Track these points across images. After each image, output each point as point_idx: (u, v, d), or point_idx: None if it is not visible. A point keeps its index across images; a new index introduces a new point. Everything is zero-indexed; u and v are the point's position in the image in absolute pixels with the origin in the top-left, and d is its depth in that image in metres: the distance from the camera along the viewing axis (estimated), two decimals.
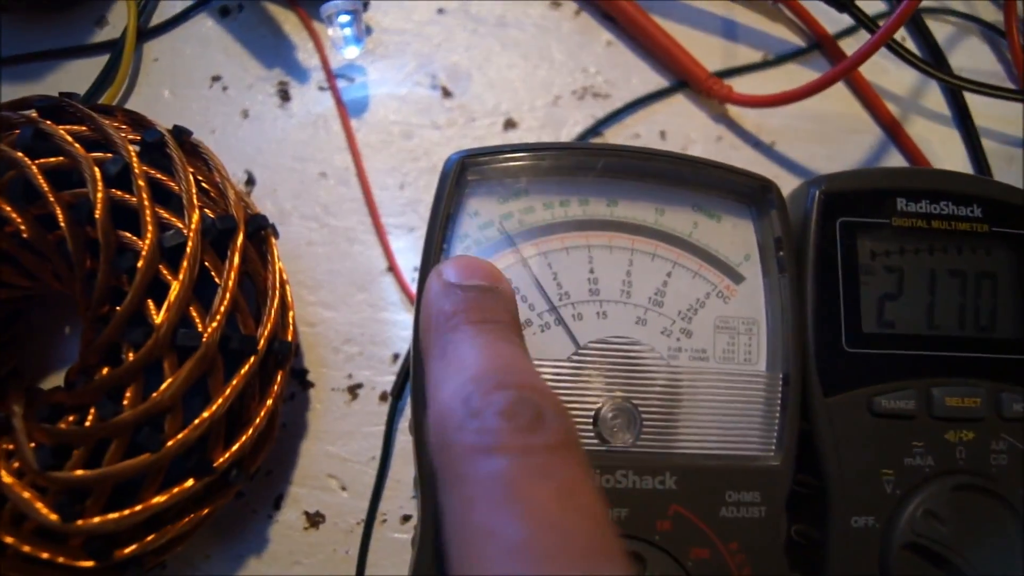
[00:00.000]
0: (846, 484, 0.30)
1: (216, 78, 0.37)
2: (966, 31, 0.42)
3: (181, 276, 0.28)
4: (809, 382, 0.31)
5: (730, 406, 0.30)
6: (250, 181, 0.36)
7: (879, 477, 0.31)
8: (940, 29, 0.41)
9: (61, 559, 0.27)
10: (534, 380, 0.22)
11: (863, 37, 0.39)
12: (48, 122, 0.30)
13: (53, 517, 0.26)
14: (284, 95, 0.37)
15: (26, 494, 0.27)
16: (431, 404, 0.22)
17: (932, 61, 0.40)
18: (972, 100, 0.40)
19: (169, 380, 0.27)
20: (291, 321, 0.32)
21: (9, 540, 0.26)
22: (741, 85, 0.39)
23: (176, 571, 0.33)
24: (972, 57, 0.41)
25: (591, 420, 0.29)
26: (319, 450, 0.34)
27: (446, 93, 0.38)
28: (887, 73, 0.40)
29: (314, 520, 0.33)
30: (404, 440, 0.34)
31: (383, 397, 0.34)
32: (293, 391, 0.34)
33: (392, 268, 0.35)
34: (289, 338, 0.32)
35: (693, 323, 0.31)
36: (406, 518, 0.33)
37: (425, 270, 0.29)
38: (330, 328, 0.35)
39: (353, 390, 0.34)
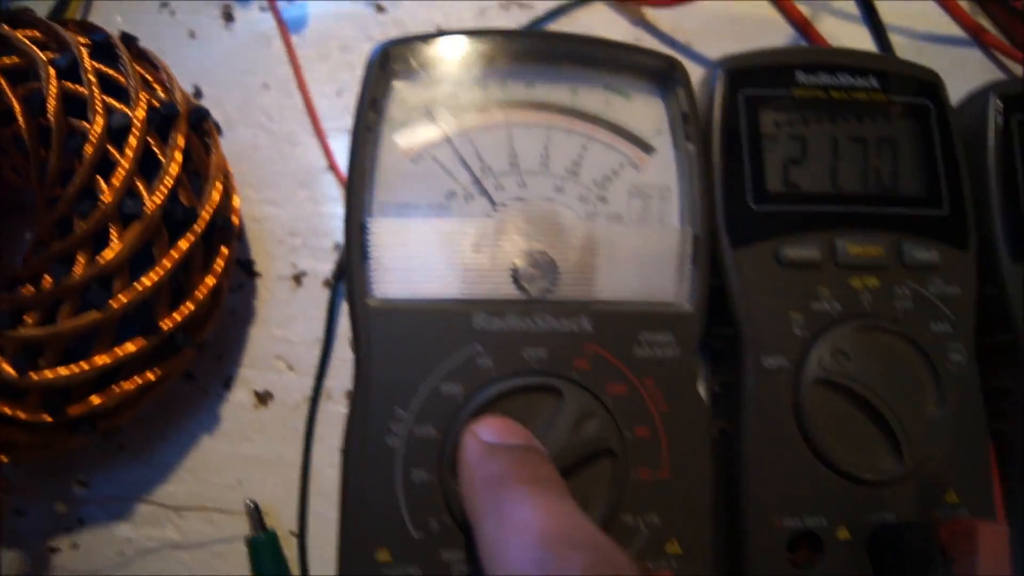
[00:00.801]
0: (757, 328, 0.32)
1: (164, 3, 0.39)
2: None
3: (127, 152, 0.29)
4: (718, 238, 0.32)
5: (645, 260, 0.31)
6: (197, 95, 0.38)
7: (788, 320, 0.32)
8: None
9: (19, 413, 0.28)
10: (604, 539, 0.21)
11: None
12: (4, 26, 0.31)
13: (10, 371, 0.28)
14: (228, 16, 0.39)
15: None
16: (495, 567, 0.21)
17: None
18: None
19: (116, 244, 0.29)
20: (234, 205, 0.34)
21: None
22: None
23: (133, 454, 0.34)
24: None
25: (511, 272, 0.30)
26: (266, 334, 0.35)
27: (380, 8, 0.39)
28: None
29: (263, 399, 0.35)
30: (346, 322, 0.35)
31: (325, 283, 0.36)
32: (241, 281, 0.36)
33: (332, 166, 0.37)
34: (234, 221, 0.33)
35: (608, 190, 0.32)
36: (350, 394, 0.35)
37: (355, 153, 0.31)
38: (275, 223, 0.36)
39: (297, 278, 0.36)
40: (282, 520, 0.34)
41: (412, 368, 0.29)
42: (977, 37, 0.42)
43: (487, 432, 0.25)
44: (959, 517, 0.31)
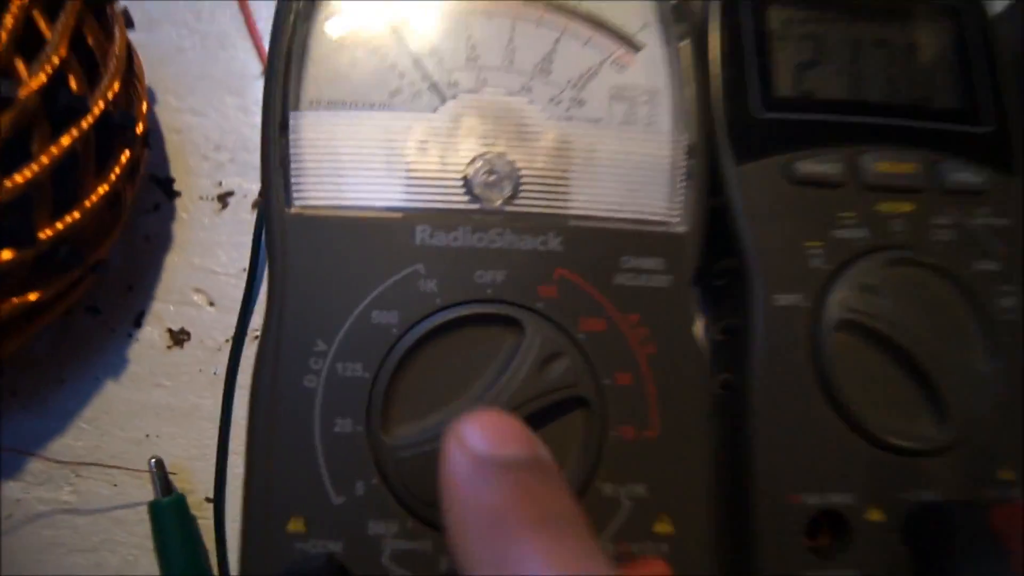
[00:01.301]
0: (767, 259, 0.25)
1: None
2: None
3: (4, 22, 0.23)
4: (719, 151, 0.26)
5: (629, 172, 0.25)
6: None
7: (804, 251, 0.25)
8: None
9: None
10: None
11: None
12: None
13: None
14: None
15: None
16: None
17: None
18: None
19: None
20: (143, 110, 0.27)
21: None
22: None
23: (24, 400, 0.27)
24: None
25: (463, 178, 0.23)
26: (185, 263, 0.29)
27: None
28: None
29: (178, 338, 0.28)
30: None
31: (255, 205, 0.29)
32: (158, 201, 0.29)
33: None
34: (141, 125, 0.26)
35: (586, 92, 0.26)
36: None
37: (277, 35, 0.24)
38: (199, 134, 0.30)
39: (223, 198, 0.29)
40: (197, 483, 0.27)
41: (338, 292, 0.22)
42: None
43: (477, 437, 0.17)
44: (1015, 498, 0.25)
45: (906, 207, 0.26)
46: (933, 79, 0.28)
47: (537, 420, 0.22)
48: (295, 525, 0.21)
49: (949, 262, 0.26)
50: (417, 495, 0.21)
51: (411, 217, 0.23)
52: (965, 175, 0.26)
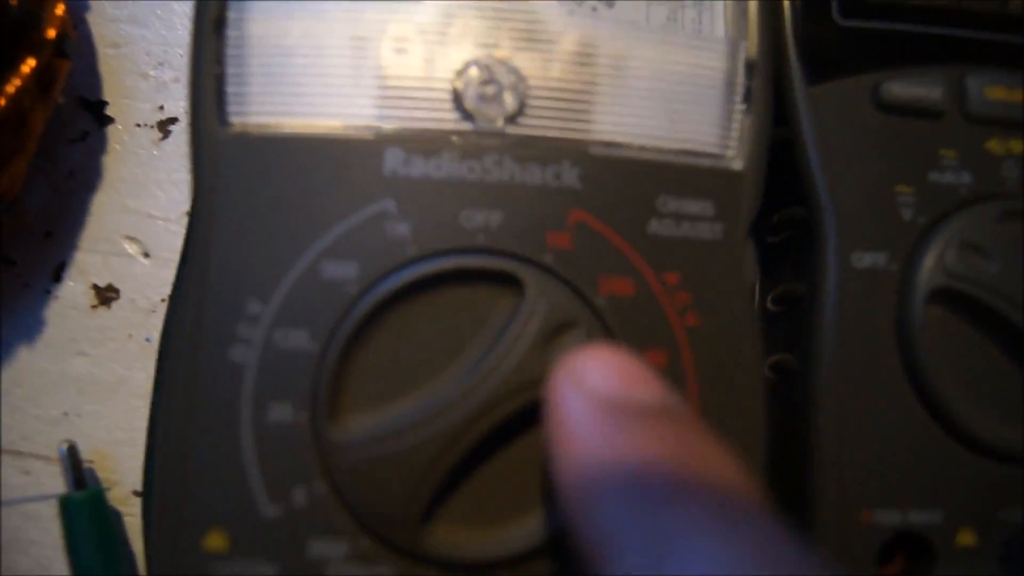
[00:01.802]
0: (843, 207, 0.19)
1: None
2: None
3: None
4: (786, 67, 0.19)
5: (670, 88, 0.18)
6: None
7: (892, 197, 0.19)
8: None
9: None
10: None
11: None
12: None
13: None
14: None
15: None
16: None
17: None
18: None
19: None
20: (58, 12, 0.21)
21: None
22: None
23: None
24: None
25: (451, 90, 0.17)
26: (116, 204, 0.23)
27: None
28: None
29: (105, 296, 0.22)
30: None
31: None
32: (85, 129, 0.23)
33: None
34: (52, 28, 0.20)
35: None
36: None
37: None
38: (140, 48, 0.23)
39: (164, 126, 0.23)
40: (123, 472, 0.22)
41: (280, 235, 0.16)
42: None
43: (597, 375, 0.13)
44: None
45: (1020, 146, 0.19)
46: None
47: (535, 414, 0.15)
48: (214, 541, 0.15)
49: None
50: (377, 507, 0.15)
51: (380, 138, 0.16)
52: None
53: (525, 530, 0.16)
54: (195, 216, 0.17)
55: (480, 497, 0.16)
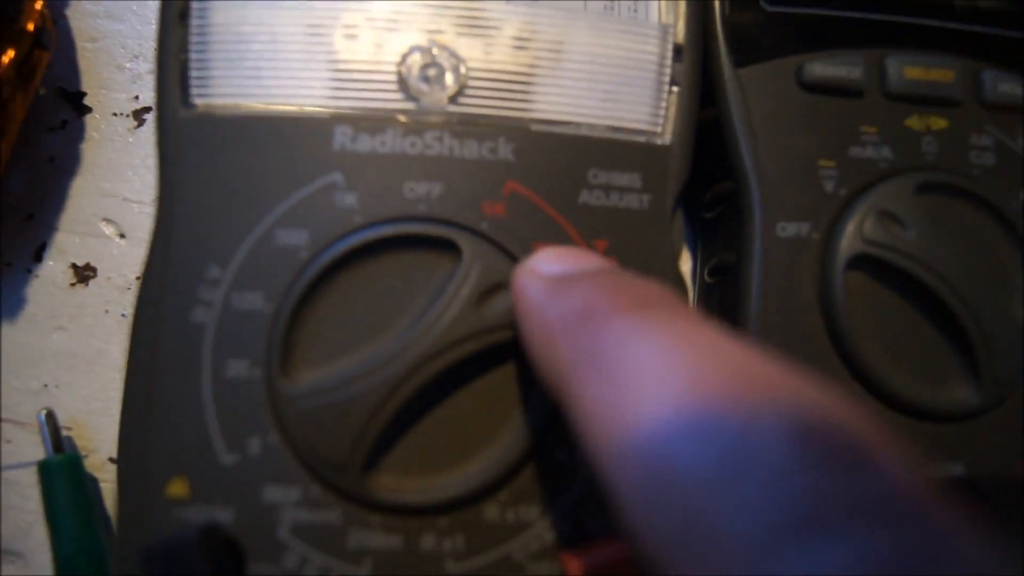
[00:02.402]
0: (769, 180, 0.20)
1: None
2: None
3: None
4: (714, 51, 0.21)
5: (604, 70, 0.20)
6: None
7: (815, 171, 0.20)
8: None
9: None
10: (801, 382, 0.11)
11: None
12: None
13: None
14: None
15: None
16: (621, 453, 0.12)
17: None
18: None
19: None
20: (38, 6, 0.22)
21: None
22: None
23: None
24: None
25: (397, 71, 0.19)
26: (94, 188, 0.24)
27: None
28: None
29: (83, 275, 0.24)
30: None
31: None
32: (64, 118, 0.24)
33: None
34: (31, 21, 0.22)
35: None
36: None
37: None
38: (116, 42, 0.25)
39: (139, 115, 0.25)
40: (100, 440, 0.23)
41: (238, 206, 0.18)
42: None
43: (548, 263, 0.16)
44: None
45: (940, 122, 0.21)
46: None
47: (472, 366, 0.17)
48: (176, 488, 0.17)
49: (989, 189, 0.21)
50: (324, 455, 0.16)
51: (331, 117, 0.18)
52: (1012, 87, 0.21)
53: (462, 477, 0.17)
54: (161, 190, 0.18)
55: (421, 447, 0.17)
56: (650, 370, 0.12)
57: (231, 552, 0.16)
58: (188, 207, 0.18)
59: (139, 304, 0.18)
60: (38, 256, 0.24)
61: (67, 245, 0.24)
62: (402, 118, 0.18)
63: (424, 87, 0.18)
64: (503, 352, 0.17)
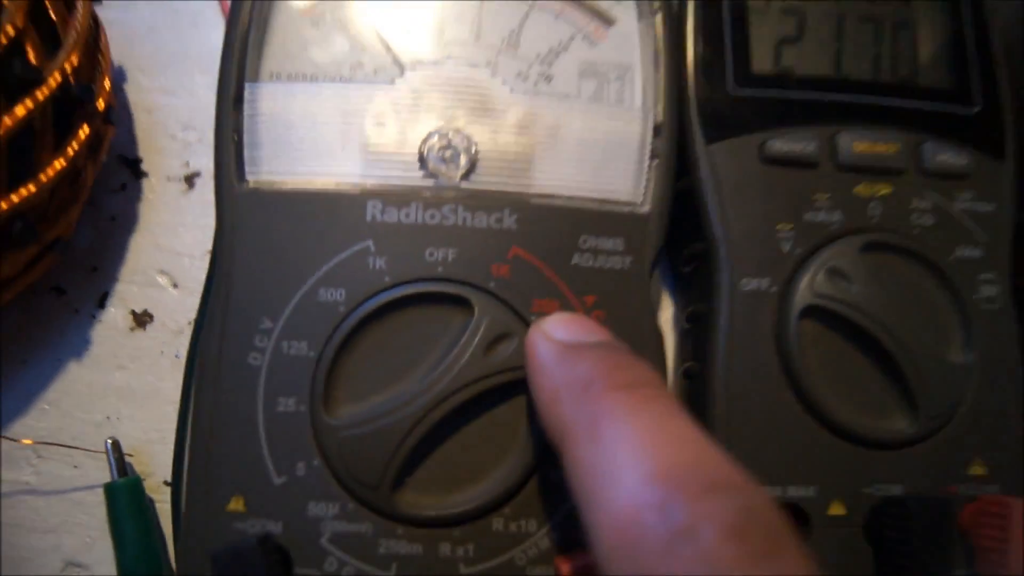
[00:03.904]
0: (735, 241, 0.24)
1: None
2: None
3: None
4: (689, 129, 0.25)
5: (594, 150, 0.24)
6: None
7: (774, 233, 0.24)
8: None
9: None
10: (743, 477, 0.16)
11: None
12: None
13: None
14: None
15: None
16: (597, 505, 0.16)
17: None
18: None
19: None
20: (106, 86, 0.27)
21: None
22: None
23: None
24: None
25: (419, 153, 0.23)
26: (150, 244, 0.28)
27: None
28: None
29: (141, 320, 0.28)
30: None
31: None
32: (124, 181, 0.29)
33: None
34: (102, 100, 0.26)
35: (555, 67, 0.25)
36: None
37: (236, 7, 0.24)
38: (169, 114, 0.30)
39: (190, 179, 0.29)
40: (156, 466, 0.27)
41: (286, 268, 0.22)
42: None
43: (559, 329, 0.19)
44: (987, 494, 0.23)
45: (884, 189, 0.25)
46: (921, 57, 0.27)
47: (482, 403, 0.21)
48: (235, 504, 0.21)
49: (927, 248, 0.25)
50: (358, 476, 0.21)
51: (363, 192, 0.22)
52: (949, 156, 0.25)
53: (473, 495, 0.21)
54: (219, 252, 0.23)
55: (439, 470, 0.21)
56: (630, 448, 0.16)
57: (281, 557, 0.21)
58: (244, 268, 0.22)
59: (203, 349, 0.22)
60: (101, 303, 0.28)
61: (127, 294, 0.28)
62: (423, 193, 0.22)
63: (441, 166, 0.23)
64: (507, 391, 0.21)
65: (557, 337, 0.19)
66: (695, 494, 0.15)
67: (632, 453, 0.16)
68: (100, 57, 0.27)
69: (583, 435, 0.17)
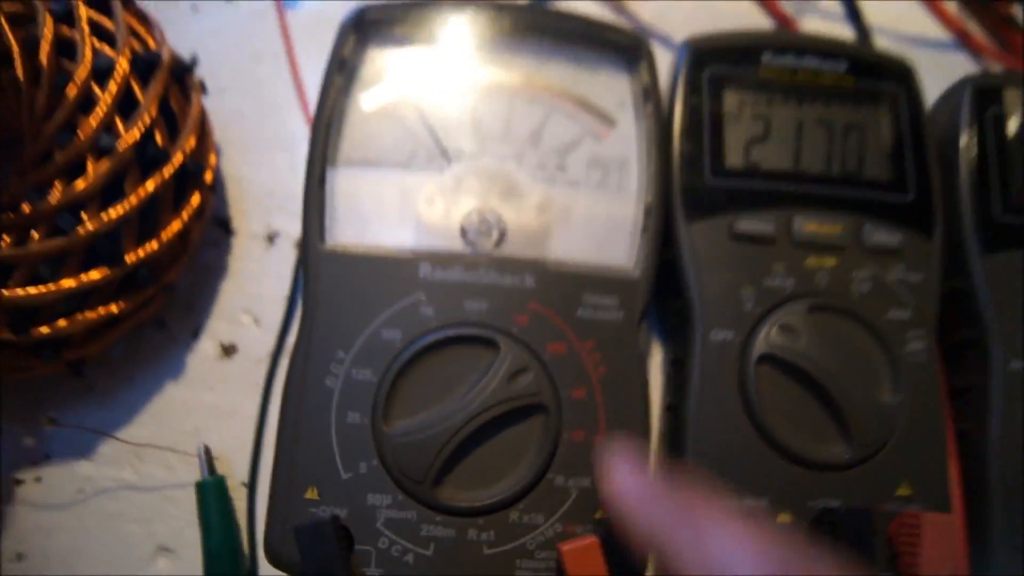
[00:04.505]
0: (706, 301, 0.31)
1: None
2: None
3: (109, 89, 0.31)
4: (673, 211, 0.32)
5: (597, 225, 0.32)
6: (194, 62, 0.39)
7: (738, 295, 0.31)
8: None
9: None
10: None
11: None
12: None
13: None
14: None
15: None
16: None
17: None
18: (865, 4, 0.42)
19: (89, 175, 0.30)
20: (211, 161, 0.35)
21: None
22: None
23: (101, 395, 0.35)
24: None
25: (460, 227, 0.31)
26: (236, 288, 0.36)
27: None
28: None
29: (228, 351, 0.35)
30: None
31: (296, 244, 0.37)
32: (216, 238, 0.37)
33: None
34: (208, 173, 0.34)
35: (568, 159, 0.33)
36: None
37: (321, 107, 0.32)
38: (254, 183, 0.37)
39: (271, 237, 0.37)
40: (235, 470, 0.34)
41: (356, 312, 0.29)
42: (963, 40, 0.42)
43: (626, 464, 0.24)
44: (908, 510, 0.30)
45: (830, 262, 0.32)
46: (866, 154, 0.34)
47: (504, 421, 0.28)
48: (311, 493, 0.28)
49: (865, 310, 0.32)
50: (407, 475, 0.28)
51: (417, 256, 0.30)
52: (885, 236, 0.32)
53: (495, 492, 0.28)
54: (305, 299, 0.30)
55: (470, 471, 0.28)
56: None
57: (346, 535, 0.28)
58: (324, 311, 0.29)
59: (290, 372, 0.29)
60: (195, 335, 0.36)
61: (216, 329, 0.36)
62: (463, 259, 0.30)
63: (478, 238, 0.30)
64: (523, 412, 0.28)
65: (626, 471, 0.23)
66: None
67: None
68: (207, 139, 0.35)
69: (677, 549, 0.21)
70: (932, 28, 0.42)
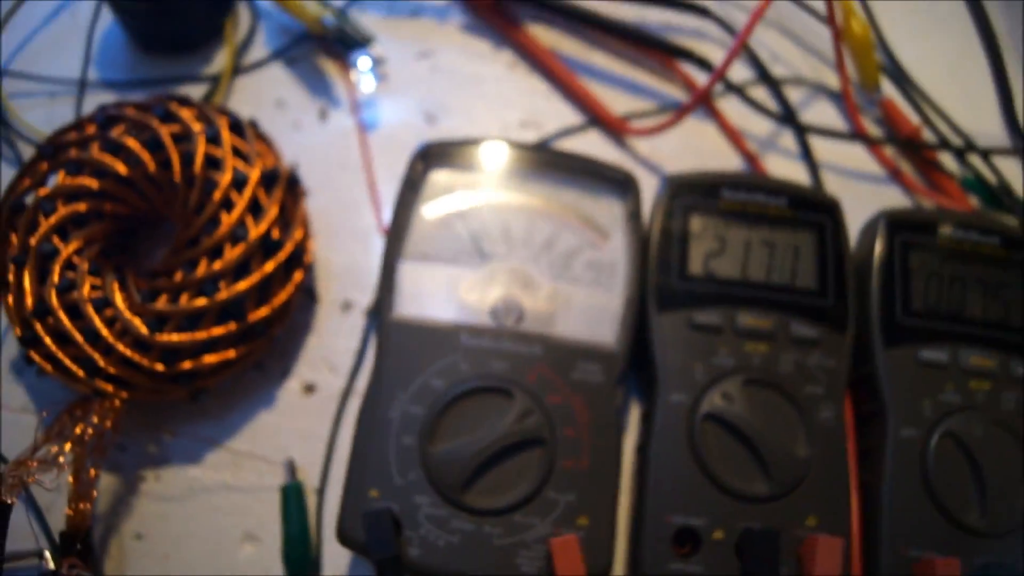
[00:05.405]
0: (668, 372, 0.45)
1: (280, 102, 0.56)
2: (816, 93, 0.58)
3: (243, 197, 0.46)
4: (648, 304, 0.46)
5: (590, 312, 0.45)
6: (294, 170, 0.54)
7: (692, 369, 0.45)
8: (795, 92, 0.58)
9: (144, 361, 0.43)
10: None
11: (732, 97, 0.55)
12: (174, 103, 0.48)
13: (144, 330, 0.43)
14: (323, 115, 0.56)
15: (133, 318, 0.44)
16: None
17: (784, 113, 0.57)
18: (816, 144, 0.56)
19: (227, 257, 0.44)
20: (309, 245, 0.49)
21: (119, 346, 0.43)
22: (635, 124, 0.56)
23: (212, 417, 0.49)
24: (822, 113, 0.57)
25: (490, 309, 0.45)
26: (317, 342, 0.50)
27: (431, 121, 0.56)
28: (751, 121, 0.57)
29: (309, 389, 0.49)
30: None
31: (365, 312, 0.51)
32: (305, 303, 0.51)
33: (381, 229, 0.52)
34: (307, 256, 0.49)
35: (571, 262, 0.47)
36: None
37: (396, 217, 0.46)
38: (335, 264, 0.52)
39: (347, 305, 0.51)
40: (310, 480, 0.48)
41: (413, 366, 0.43)
42: (897, 177, 0.56)
43: None
44: (813, 535, 0.42)
45: (763, 347, 0.45)
46: (798, 268, 0.47)
47: (514, 449, 0.41)
48: (373, 493, 0.41)
49: (788, 385, 0.45)
50: (443, 483, 0.41)
51: (458, 328, 0.44)
52: (807, 330, 0.46)
53: (504, 499, 0.41)
54: (377, 354, 0.44)
55: (488, 483, 0.41)
56: None
57: (396, 523, 0.41)
58: (389, 363, 0.43)
59: (363, 406, 0.43)
60: (285, 375, 0.50)
61: (300, 372, 0.50)
62: (491, 332, 0.44)
63: (503, 317, 0.44)
64: (527, 444, 0.42)
65: None
66: None
67: None
68: (305, 229, 0.50)
69: None
70: (872, 166, 0.56)
